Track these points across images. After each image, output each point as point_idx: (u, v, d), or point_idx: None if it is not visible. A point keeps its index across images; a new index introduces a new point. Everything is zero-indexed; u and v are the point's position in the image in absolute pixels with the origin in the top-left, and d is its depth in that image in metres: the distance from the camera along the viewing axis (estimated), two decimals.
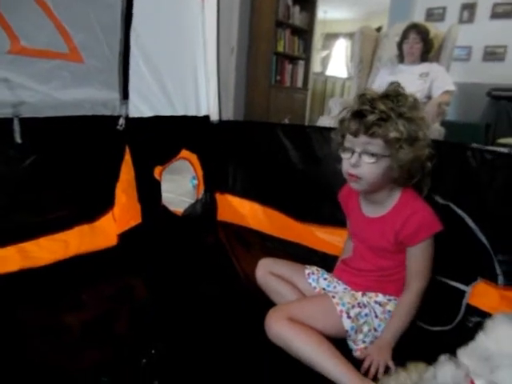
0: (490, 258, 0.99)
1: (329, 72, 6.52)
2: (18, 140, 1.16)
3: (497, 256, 0.98)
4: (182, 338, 0.98)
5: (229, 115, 3.42)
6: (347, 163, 0.94)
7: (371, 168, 0.91)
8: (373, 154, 0.90)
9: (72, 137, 1.31)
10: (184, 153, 1.66)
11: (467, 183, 1.03)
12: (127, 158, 1.46)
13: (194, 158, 1.71)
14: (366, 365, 0.86)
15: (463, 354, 0.68)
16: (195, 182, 1.80)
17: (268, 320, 0.92)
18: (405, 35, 2.54)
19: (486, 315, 0.94)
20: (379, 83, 2.46)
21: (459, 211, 1.03)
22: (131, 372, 0.85)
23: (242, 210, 1.67)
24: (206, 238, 1.59)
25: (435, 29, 2.70)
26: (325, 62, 6.97)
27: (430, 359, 0.73)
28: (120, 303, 1.13)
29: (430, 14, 3.85)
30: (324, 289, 1.07)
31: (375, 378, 0.83)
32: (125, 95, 1.44)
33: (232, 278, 1.30)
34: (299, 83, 4.55)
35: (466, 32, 3.31)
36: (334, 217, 1.33)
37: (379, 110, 0.88)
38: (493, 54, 3.60)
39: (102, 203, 1.43)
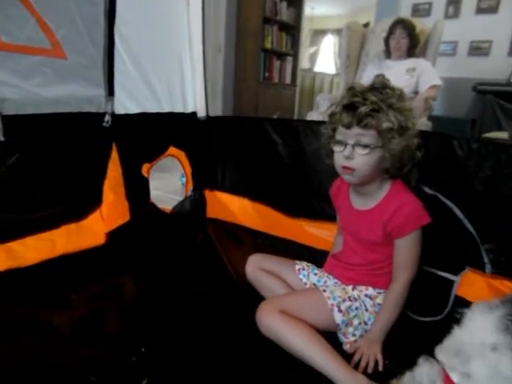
0: (477, 247, 1.00)
1: (317, 68, 6.53)
2: (1, 138, 1.13)
3: (484, 245, 0.99)
4: (171, 335, 0.97)
5: (217, 113, 3.41)
6: (340, 156, 0.94)
7: (365, 159, 0.91)
8: (366, 146, 0.90)
9: (57, 134, 1.28)
10: (172, 150, 1.65)
11: (454, 173, 1.04)
12: (114, 155, 1.44)
13: (181, 155, 1.69)
14: (356, 358, 0.87)
15: (439, 350, 0.67)
16: (184, 179, 1.79)
17: (259, 312, 0.92)
18: (391, 31, 2.55)
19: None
20: (366, 79, 2.47)
21: (447, 201, 1.04)
22: (121, 370, 0.84)
23: (232, 207, 1.66)
24: (195, 236, 1.58)
25: (421, 24, 2.73)
26: (313, 58, 6.97)
27: (421, 350, 0.73)
28: (109, 302, 1.12)
29: (416, 10, 3.88)
30: (314, 284, 1.07)
31: (365, 372, 0.83)
32: (110, 92, 1.43)
33: (222, 274, 1.30)
34: (288, 79, 4.56)
35: (452, 27, 3.34)
36: (323, 211, 1.34)
37: (371, 102, 0.88)
38: (478, 49, 3.64)
39: (90, 201, 1.41)
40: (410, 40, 2.50)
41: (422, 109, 2.37)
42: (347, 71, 3.08)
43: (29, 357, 0.86)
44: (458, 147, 1.02)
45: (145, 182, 1.57)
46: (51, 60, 1.23)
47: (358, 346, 0.90)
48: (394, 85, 0.95)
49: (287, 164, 1.47)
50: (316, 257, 1.23)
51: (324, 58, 6.85)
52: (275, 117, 3.17)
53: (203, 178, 1.73)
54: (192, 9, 1.62)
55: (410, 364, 0.72)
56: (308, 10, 5.40)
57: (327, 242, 1.26)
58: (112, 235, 1.42)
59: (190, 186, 1.74)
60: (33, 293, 1.08)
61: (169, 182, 2.18)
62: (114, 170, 1.44)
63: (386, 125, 0.88)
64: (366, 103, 0.89)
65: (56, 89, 1.27)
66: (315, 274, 1.09)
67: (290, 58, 4.53)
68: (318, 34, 7.02)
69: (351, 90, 0.93)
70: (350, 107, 0.91)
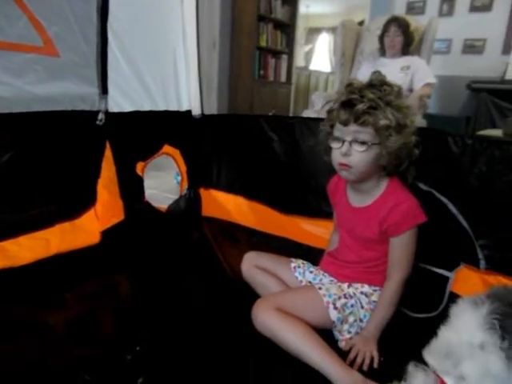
0: (471, 243, 1.00)
1: (312, 66, 6.53)
2: None
3: (478, 241, 0.99)
4: (167, 334, 0.97)
5: (213, 111, 3.40)
6: (338, 153, 0.94)
7: (362, 156, 0.91)
8: (363, 143, 0.90)
9: (50, 132, 1.28)
10: (166, 148, 1.64)
11: (449, 169, 1.04)
12: (108, 153, 1.43)
13: (176, 153, 1.68)
14: (351, 356, 0.87)
15: (427, 353, 0.65)
16: (179, 178, 1.78)
17: (255, 310, 0.92)
18: (386, 28, 2.56)
19: None
20: (362, 77, 2.46)
21: (442, 197, 1.04)
22: (116, 369, 0.84)
23: (227, 205, 1.65)
24: (190, 234, 1.58)
25: (416, 22, 2.73)
26: (308, 56, 6.98)
27: (416, 347, 0.73)
28: (104, 301, 1.11)
29: (411, 8, 3.90)
30: (310, 282, 1.07)
31: (361, 369, 0.83)
32: (104, 90, 1.42)
33: (217, 272, 1.29)
34: (283, 77, 4.55)
35: (446, 25, 3.36)
36: (319, 208, 1.34)
37: (368, 99, 0.88)
38: (472, 47, 3.66)
39: (84, 200, 1.40)
40: (404, 38, 2.51)
41: (417, 107, 2.38)
42: (342, 69, 3.08)
43: (23, 356, 0.85)
44: (453, 143, 1.02)
45: (139, 181, 1.56)
46: (43, 57, 1.22)
47: (354, 343, 0.90)
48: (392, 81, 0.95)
49: (283, 161, 1.47)
50: (312, 255, 1.22)
51: (319, 56, 6.86)
52: (270, 115, 3.17)
53: (198, 176, 1.72)
54: (186, 5, 1.61)
55: (405, 361, 0.72)
56: (303, 8, 5.40)
57: (323, 240, 1.25)
58: (106, 234, 1.41)
59: (185, 185, 1.73)
60: (27, 292, 1.08)
61: (164, 181, 2.17)
62: (107, 169, 1.44)
63: (383, 122, 0.88)
64: (364, 100, 0.88)
65: (48, 86, 1.26)
66: (311, 272, 1.09)
67: (285, 56, 4.52)
68: (313, 32, 7.03)
69: (349, 86, 0.93)
70: (347, 104, 0.91)
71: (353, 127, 0.90)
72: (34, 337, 0.92)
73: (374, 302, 0.96)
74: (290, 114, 4.64)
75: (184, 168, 1.72)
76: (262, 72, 4.18)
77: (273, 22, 4.22)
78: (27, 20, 1.16)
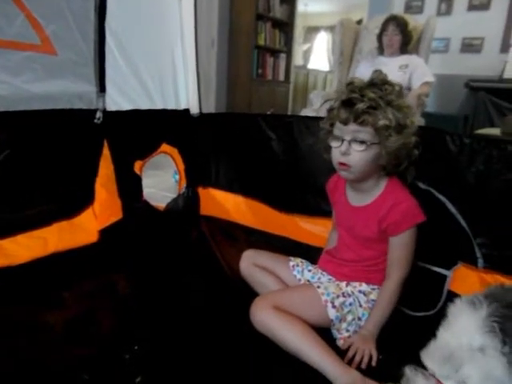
0: (469, 242, 1.00)
1: (311, 65, 6.53)
2: None
3: (476, 239, 1.00)
4: (165, 333, 0.97)
5: (211, 110, 3.40)
6: (337, 152, 0.94)
7: (361, 155, 0.91)
8: (362, 142, 0.90)
9: (48, 131, 1.27)
10: (164, 147, 1.64)
11: (447, 168, 1.04)
12: (106, 152, 1.43)
13: (174, 152, 1.68)
14: (350, 354, 0.87)
15: (426, 356, 0.65)
16: (177, 176, 1.78)
17: (253, 308, 0.92)
18: (384, 27, 2.56)
19: None
20: (360, 75, 2.47)
21: (440, 196, 1.04)
22: (114, 368, 0.84)
23: (226, 204, 1.65)
24: (188, 233, 1.57)
25: (414, 21, 2.74)
26: (306, 55, 6.97)
27: (415, 345, 0.73)
28: (102, 300, 1.11)
29: (409, 7, 3.90)
30: (309, 280, 1.07)
31: (359, 368, 0.83)
32: (102, 88, 1.41)
33: (216, 271, 1.29)
34: (281, 76, 4.55)
35: (444, 24, 3.36)
36: (318, 207, 1.34)
37: (368, 98, 0.88)
38: (470, 46, 3.67)
39: (81, 199, 1.40)
40: (402, 37, 2.51)
41: (415, 105, 2.38)
42: (341, 68, 3.09)
43: (21, 356, 0.85)
44: (451, 142, 1.02)
45: (137, 180, 1.55)
46: (41, 56, 1.22)
47: (352, 341, 0.90)
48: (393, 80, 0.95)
49: (281, 160, 1.46)
50: (310, 253, 1.22)
51: (317, 55, 6.86)
52: (269, 113, 3.17)
53: (196, 175, 1.72)
54: (184, 4, 1.61)
55: (403, 359, 0.72)
56: (301, 6, 5.39)
57: (322, 239, 1.25)
58: (105, 233, 1.41)
59: (184, 184, 1.73)
60: (24, 291, 1.07)
61: (162, 180, 2.17)
62: (105, 168, 1.43)
63: (382, 122, 0.88)
64: (364, 100, 0.88)
65: (46, 85, 1.25)
66: (309, 271, 1.10)
67: (283, 55, 4.52)
68: (312, 30, 7.02)
69: (350, 85, 0.93)
70: (347, 103, 0.90)
71: (352, 126, 0.90)
72: (31, 336, 0.92)
73: (373, 300, 0.96)
74: (289, 113, 4.64)
75: (182, 166, 1.71)
76: (260, 71, 4.17)
77: (271, 21, 4.21)
78: (25, 18, 1.15)
